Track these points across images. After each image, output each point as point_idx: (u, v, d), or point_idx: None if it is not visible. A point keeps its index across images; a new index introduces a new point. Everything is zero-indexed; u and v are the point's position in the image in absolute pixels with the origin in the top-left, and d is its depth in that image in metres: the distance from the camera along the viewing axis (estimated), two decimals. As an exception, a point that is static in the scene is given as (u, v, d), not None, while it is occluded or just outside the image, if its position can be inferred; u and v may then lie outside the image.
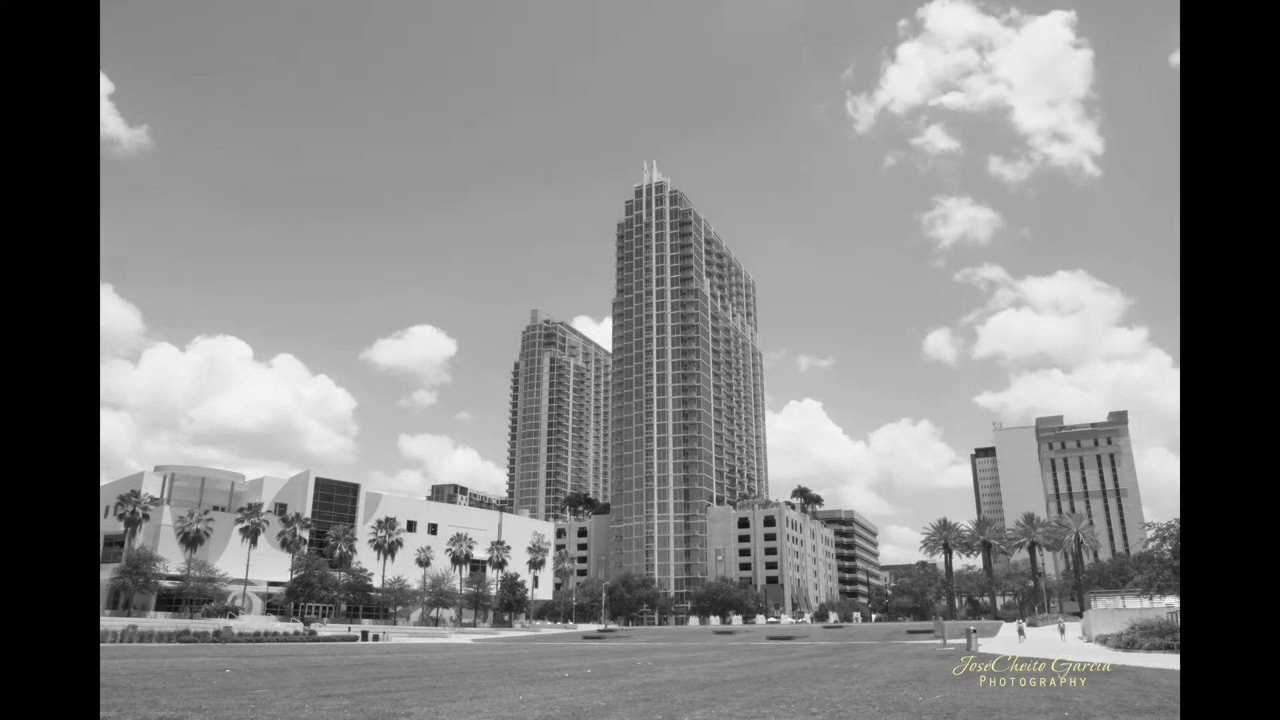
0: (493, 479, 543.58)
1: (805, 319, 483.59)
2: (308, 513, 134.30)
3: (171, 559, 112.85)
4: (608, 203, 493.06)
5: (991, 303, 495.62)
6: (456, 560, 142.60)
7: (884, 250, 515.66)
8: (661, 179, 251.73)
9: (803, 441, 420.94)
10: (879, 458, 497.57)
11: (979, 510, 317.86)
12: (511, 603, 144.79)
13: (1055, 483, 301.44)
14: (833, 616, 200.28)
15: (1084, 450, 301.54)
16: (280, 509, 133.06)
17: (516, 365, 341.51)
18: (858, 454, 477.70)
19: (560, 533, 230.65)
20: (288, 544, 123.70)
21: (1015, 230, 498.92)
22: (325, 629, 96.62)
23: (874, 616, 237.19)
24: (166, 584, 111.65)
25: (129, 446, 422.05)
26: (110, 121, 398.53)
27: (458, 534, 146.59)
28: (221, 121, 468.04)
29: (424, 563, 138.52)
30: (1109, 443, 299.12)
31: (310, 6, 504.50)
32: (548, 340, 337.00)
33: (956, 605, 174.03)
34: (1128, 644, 43.79)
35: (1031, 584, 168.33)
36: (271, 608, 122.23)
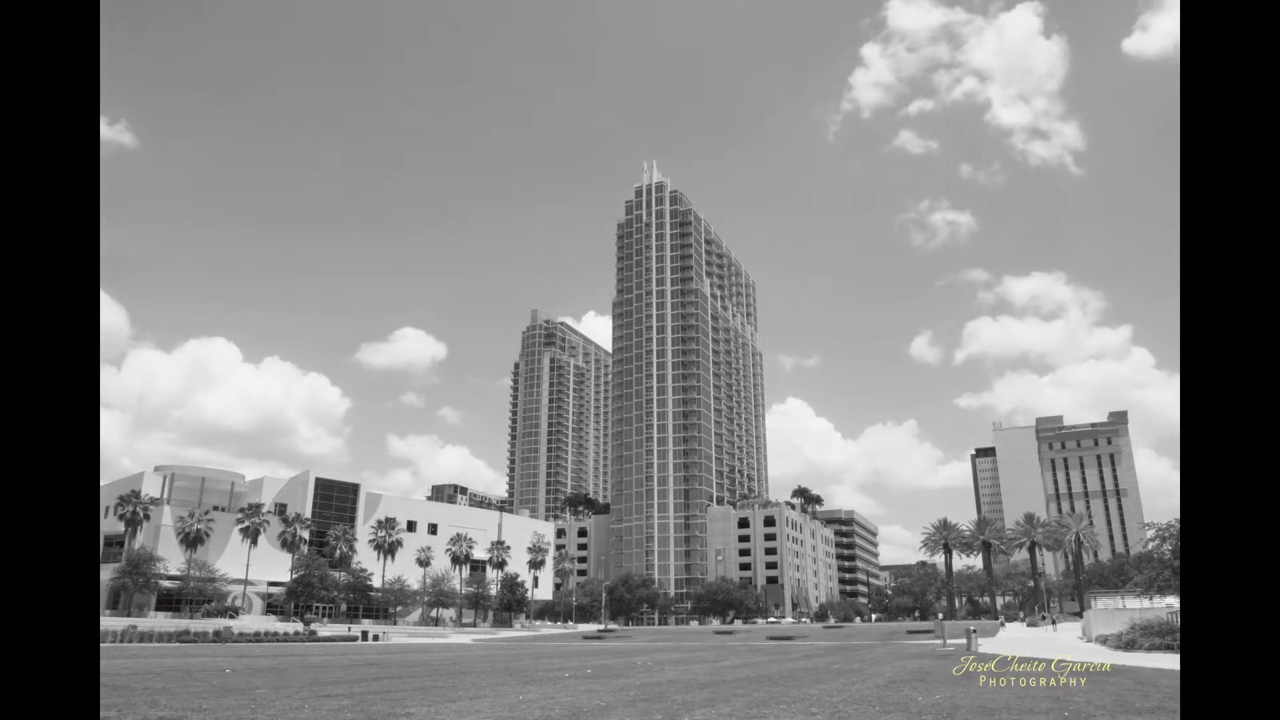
0: (484, 477, 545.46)
1: (790, 318, 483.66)
2: (308, 513, 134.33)
3: (171, 559, 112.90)
4: (608, 203, 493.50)
5: (974, 304, 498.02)
6: (456, 560, 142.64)
7: (867, 249, 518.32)
8: (661, 179, 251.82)
9: (792, 441, 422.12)
10: (868, 458, 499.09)
11: (979, 510, 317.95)
12: (511, 603, 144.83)
13: (1055, 483, 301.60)
14: (832, 617, 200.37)
15: (1084, 450, 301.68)
16: (280, 509, 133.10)
17: (516, 365, 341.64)
18: (847, 454, 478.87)
19: (560, 533, 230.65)
20: (288, 544, 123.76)
21: (996, 230, 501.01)
22: (325, 629, 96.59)
23: (874, 617, 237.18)
24: (166, 584, 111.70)
25: (121, 446, 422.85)
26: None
27: (458, 534, 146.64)
28: (218, 121, 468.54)
29: (424, 563, 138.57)
30: (1109, 443, 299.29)
31: (308, 5, 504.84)
32: (548, 340, 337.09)
33: (956, 605, 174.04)
34: (1128, 644, 43.75)
35: (1031, 584, 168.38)
36: (271, 608, 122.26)
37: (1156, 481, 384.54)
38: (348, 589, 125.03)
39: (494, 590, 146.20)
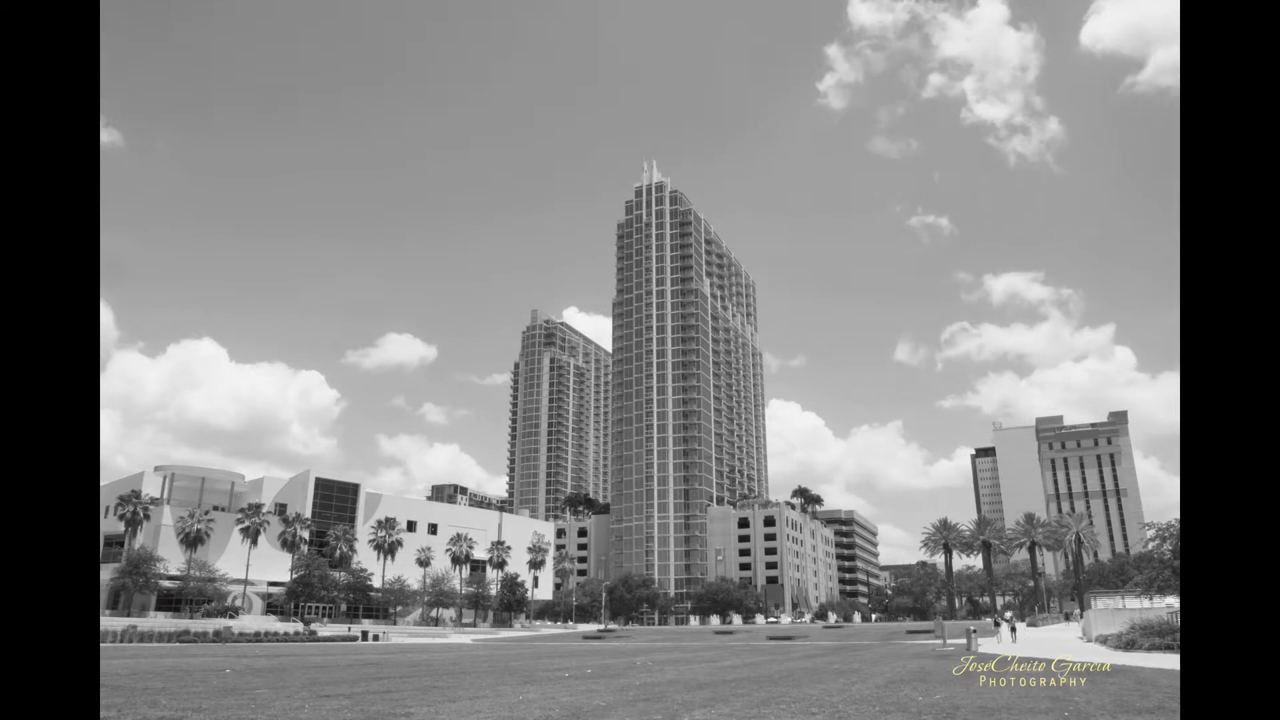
0: (475, 475, 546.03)
1: (776, 318, 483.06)
2: (308, 513, 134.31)
3: (171, 559, 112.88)
4: (608, 203, 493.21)
5: (956, 305, 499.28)
6: (456, 560, 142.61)
7: (854, 249, 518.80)
8: (661, 179, 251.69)
9: (782, 441, 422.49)
10: (856, 457, 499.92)
11: (979, 510, 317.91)
12: (511, 603, 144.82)
13: (1055, 483, 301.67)
14: (833, 616, 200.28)
15: (1084, 450, 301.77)
16: (280, 509, 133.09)
17: (516, 365, 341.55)
18: (837, 454, 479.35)
19: (560, 533, 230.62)
20: (288, 544, 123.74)
21: (976, 230, 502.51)
22: (325, 629, 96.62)
23: (874, 616, 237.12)
24: (166, 584, 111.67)
25: (114, 445, 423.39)
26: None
27: (458, 534, 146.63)
28: (212, 119, 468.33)
29: (424, 563, 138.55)
30: (1109, 443, 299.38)
31: (305, 3, 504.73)
32: (548, 340, 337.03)
33: (956, 605, 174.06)
34: (1128, 644, 43.76)
35: (1031, 584, 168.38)
36: (271, 608, 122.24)
37: (1144, 480, 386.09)
38: (348, 589, 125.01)
39: (494, 590, 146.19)
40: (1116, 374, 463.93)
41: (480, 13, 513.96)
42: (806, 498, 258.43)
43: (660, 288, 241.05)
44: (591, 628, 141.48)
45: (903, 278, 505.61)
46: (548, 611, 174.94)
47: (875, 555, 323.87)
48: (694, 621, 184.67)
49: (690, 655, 47.65)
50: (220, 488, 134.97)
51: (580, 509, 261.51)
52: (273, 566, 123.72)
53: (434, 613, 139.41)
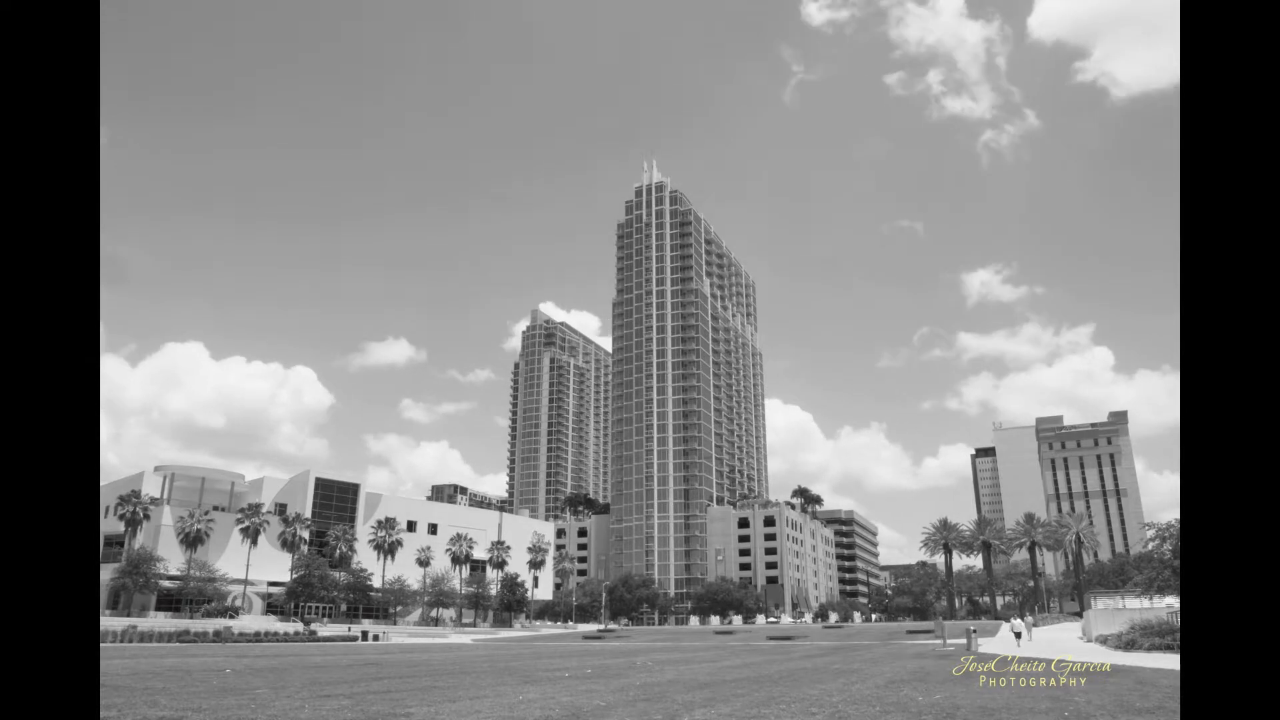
0: (462, 473, 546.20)
1: (764, 319, 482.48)
2: (308, 513, 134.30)
3: (171, 559, 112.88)
4: (608, 202, 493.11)
5: (937, 307, 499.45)
6: (456, 560, 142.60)
7: (844, 249, 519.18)
8: (661, 179, 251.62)
9: (775, 441, 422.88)
10: (844, 458, 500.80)
11: (979, 510, 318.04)
12: (511, 603, 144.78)
13: (1055, 483, 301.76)
14: (833, 616, 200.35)
15: (1084, 450, 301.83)
16: (280, 509, 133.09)
17: (516, 365, 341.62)
18: (825, 455, 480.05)
19: (560, 533, 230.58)
20: (288, 544, 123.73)
21: (951, 230, 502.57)
22: (325, 629, 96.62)
23: (874, 616, 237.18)
24: (166, 584, 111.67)
25: (105, 444, 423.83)
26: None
27: (458, 534, 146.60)
28: (207, 118, 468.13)
29: (424, 563, 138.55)
30: (1109, 443, 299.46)
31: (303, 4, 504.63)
32: (548, 340, 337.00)
33: (956, 605, 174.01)
34: (1128, 644, 43.77)
35: (1032, 584, 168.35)
36: (271, 608, 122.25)
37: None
38: (348, 589, 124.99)
39: (494, 590, 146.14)
40: (1097, 373, 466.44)
41: (480, 13, 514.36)
42: (806, 498, 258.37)
43: (660, 288, 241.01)
44: (591, 628, 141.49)
45: (886, 279, 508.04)
46: (548, 611, 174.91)
47: (875, 555, 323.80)
48: (694, 621, 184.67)
49: (690, 655, 47.66)
50: (220, 488, 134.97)
51: (580, 509, 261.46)
52: (273, 566, 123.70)
53: (434, 613, 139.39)
